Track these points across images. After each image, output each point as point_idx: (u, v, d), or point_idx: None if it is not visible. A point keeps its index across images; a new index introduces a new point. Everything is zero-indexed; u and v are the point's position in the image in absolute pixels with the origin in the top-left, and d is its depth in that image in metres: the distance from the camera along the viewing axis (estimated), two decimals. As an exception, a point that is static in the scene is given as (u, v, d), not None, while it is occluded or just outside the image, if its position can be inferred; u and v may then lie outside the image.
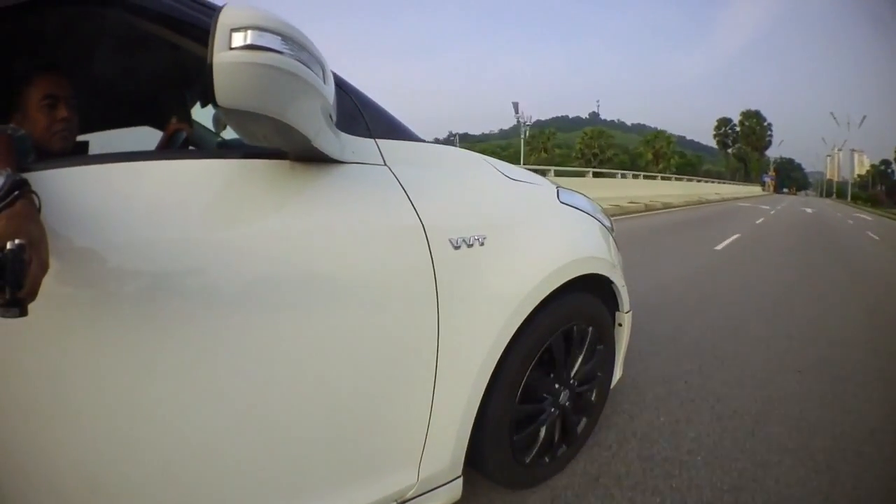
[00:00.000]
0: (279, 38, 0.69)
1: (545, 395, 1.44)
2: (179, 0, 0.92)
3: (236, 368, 0.83)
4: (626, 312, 1.78)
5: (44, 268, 0.60)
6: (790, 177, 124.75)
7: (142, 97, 1.75)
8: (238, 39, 0.65)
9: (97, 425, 0.74)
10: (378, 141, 1.06)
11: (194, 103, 1.96)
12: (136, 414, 0.76)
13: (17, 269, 0.55)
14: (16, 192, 0.61)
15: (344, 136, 0.99)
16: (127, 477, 0.78)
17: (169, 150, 1.52)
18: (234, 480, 0.88)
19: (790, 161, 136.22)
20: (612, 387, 1.78)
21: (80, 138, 1.35)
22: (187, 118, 1.87)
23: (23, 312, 0.56)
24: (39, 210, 0.64)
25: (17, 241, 0.56)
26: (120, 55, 1.38)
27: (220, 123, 1.69)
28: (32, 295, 0.58)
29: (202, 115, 2.13)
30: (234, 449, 0.86)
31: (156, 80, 1.63)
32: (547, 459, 1.50)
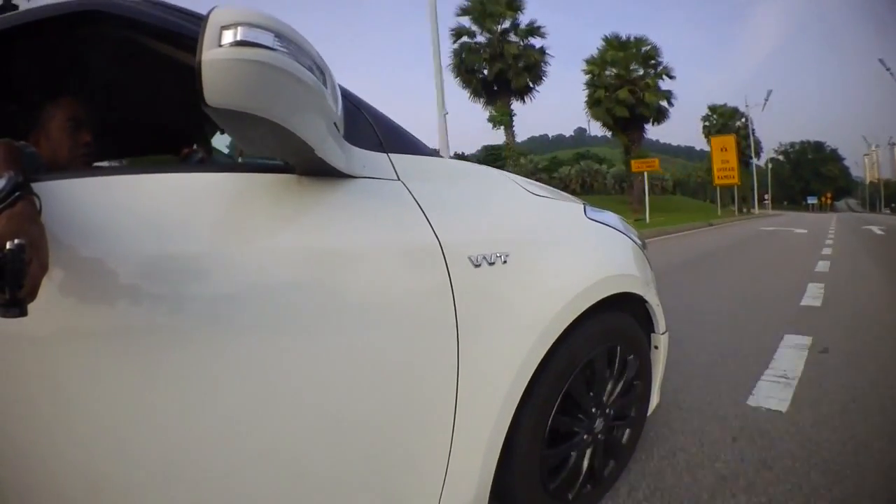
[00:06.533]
0: (272, 35, 0.65)
1: (577, 424, 1.34)
2: (187, 18, 0.91)
3: (236, 389, 0.78)
4: (662, 334, 1.67)
5: (43, 268, 0.60)
6: (818, 174, 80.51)
7: (161, 124, 1.77)
8: (228, 37, 0.62)
9: (98, 430, 0.72)
10: (391, 155, 1.01)
11: (214, 132, 1.98)
12: (137, 424, 0.74)
13: (17, 269, 0.55)
14: (17, 194, 0.62)
15: (354, 149, 0.94)
16: (127, 483, 0.75)
17: (174, 164, 1.52)
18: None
19: (818, 146, 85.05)
20: (648, 414, 1.66)
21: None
22: (206, 144, 1.88)
23: (22, 312, 0.56)
24: (40, 212, 0.65)
25: (17, 241, 0.56)
26: (138, 82, 1.40)
27: (237, 148, 1.68)
28: (32, 295, 0.58)
29: (222, 143, 2.15)
30: (236, 474, 0.81)
31: (175, 107, 1.65)
32: (576, 494, 1.38)
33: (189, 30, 0.89)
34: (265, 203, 0.84)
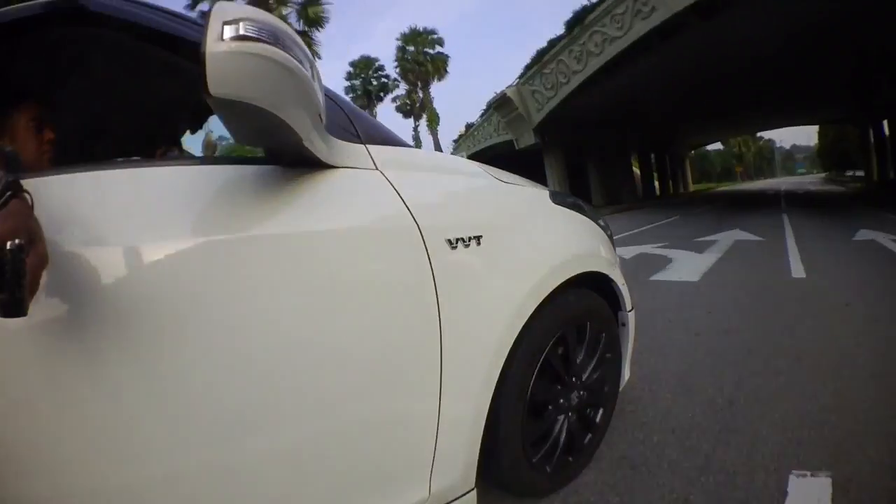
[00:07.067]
0: (269, 30, 0.71)
1: (553, 399, 1.42)
2: (169, 17, 0.93)
3: (228, 378, 0.82)
4: (630, 311, 1.77)
5: (43, 264, 0.61)
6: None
7: (132, 125, 1.76)
8: (230, 31, 0.67)
9: (94, 429, 0.74)
10: (369, 147, 1.06)
11: (184, 132, 1.98)
12: (131, 419, 0.76)
13: (16, 269, 0.55)
14: (9, 193, 0.62)
15: (335, 140, 0.99)
16: (125, 483, 0.77)
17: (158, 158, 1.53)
18: (235, 492, 0.85)
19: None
20: (620, 389, 1.75)
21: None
22: (178, 146, 1.88)
23: (22, 312, 0.57)
24: (32, 208, 0.65)
25: (16, 241, 0.56)
26: (110, 83, 1.40)
27: (209, 147, 1.70)
28: (32, 293, 0.59)
29: (192, 145, 2.14)
30: (231, 461, 0.84)
31: (146, 108, 1.65)
32: (561, 462, 1.45)
33: (170, 28, 0.92)
34: (251, 193, 0.88)
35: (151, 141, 1.84)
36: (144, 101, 1.60)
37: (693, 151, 52.33)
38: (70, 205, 0.75)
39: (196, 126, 1.78)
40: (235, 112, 0.75)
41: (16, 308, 0.56)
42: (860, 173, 35.07)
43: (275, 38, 0.71)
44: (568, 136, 18.87)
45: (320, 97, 0.84)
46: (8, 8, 0.93)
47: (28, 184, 0.69)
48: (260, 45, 0.69)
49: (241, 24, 0.68)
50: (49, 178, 0.77)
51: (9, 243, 0.56)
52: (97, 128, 1.66)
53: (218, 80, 0.67)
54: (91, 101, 1.47)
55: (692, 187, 45.13)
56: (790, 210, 12.28)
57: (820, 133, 50.74)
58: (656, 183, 32.50)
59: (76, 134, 1.58)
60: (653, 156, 30.96)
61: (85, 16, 0.92)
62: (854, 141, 35.45)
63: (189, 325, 0.79)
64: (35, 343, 0.70)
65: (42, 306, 0.67)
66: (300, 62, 0.76)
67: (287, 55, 0.73)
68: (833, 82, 17.75)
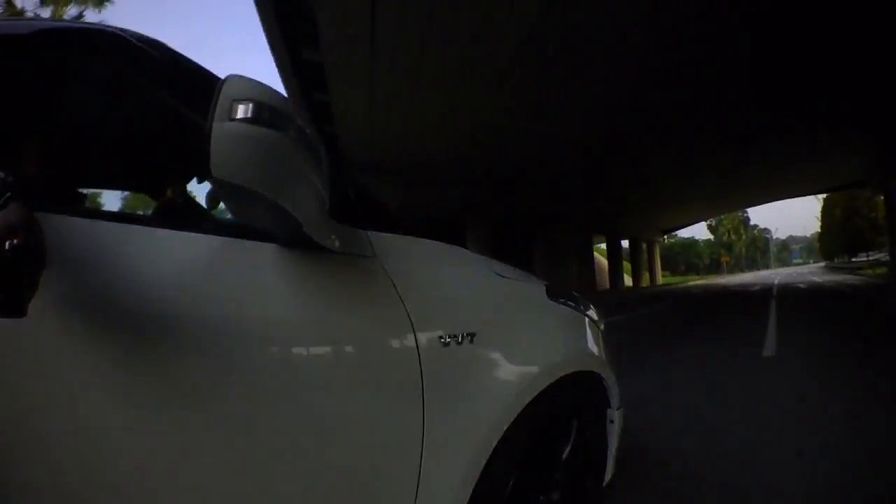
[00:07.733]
0: (282, 116, 0.70)
1: (533, 496, 1.34)
2: (182, 66, 0.94)
3: (204, 459, 0.77)
4: (618, 409, 1.72)
5: (42, 264, 0.61)
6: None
7: (140, 163, 1.77)
8: (240, 111, 0.65)
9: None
10: (370, 233, 1.06)
11: (191, 178, 1.99)
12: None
13: (15, 270, 0.56)
14: (8, 194, 0.62)
15: (336, 225, 0.99)
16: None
17: (160, 218, 1.52)
18: None
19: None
20: (604, 485, 1.67)
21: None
22: (183, 192, 1.88)
23: (22, 312, 0.57)
24: (33, 208, 0.64)
25: (14, 242, 0.56)
26: (123, 118, 1.41)
27: (212, 201, 1.70)
28: (31, 294, 0.58)
29: (197, 190, 2.16)
30: None
31: (156, 148, 1.66)
32: None
33: (185, 79, 0.92)
34: (247, 269, 0.87)
35: (160, 181, 1.85)
36: (158, 142, 1.61)
37: (665, 237, 46.98)
38: (67, 248, 0.72)
39: (204, 177, 1.80)
40: (238, 194, 0.73)
41: (15, 308, 0.56)
42: (875, 255, 28.81)
43: (284, 123, 0.70)
44: (408, 192, 13.16)
45: (326, 183, 0.84)
46: (18, 18, 0.94)
47: None
48: (270, 131, 0.68)
49: (251, 105, 0.66)
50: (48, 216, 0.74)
51: (8, 243, 0.56)
52: (106, 159, 1.66)
53: (222, 163, 0.65)
54: (102, 132, 1.48)
55: (662, 279, 41.06)
56: (788, 362, 4.47)
57: (823, 211, 45.25)
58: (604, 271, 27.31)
59: (84, 163, 1.58)
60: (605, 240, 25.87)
61: (108, 48, 0.92)
62: (868, 216, 29.59)
63: (167, 391, 0.75)
64: (33, 343, 0.67)
65: (41, 306, 0.65)
66: (308, 149, 0.75)
67: (296, 143, 0.72)
68: (849, 128, 12.46)
